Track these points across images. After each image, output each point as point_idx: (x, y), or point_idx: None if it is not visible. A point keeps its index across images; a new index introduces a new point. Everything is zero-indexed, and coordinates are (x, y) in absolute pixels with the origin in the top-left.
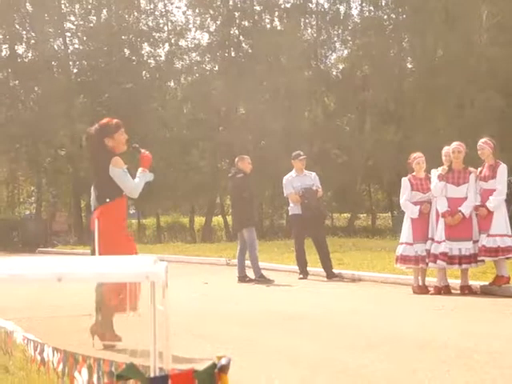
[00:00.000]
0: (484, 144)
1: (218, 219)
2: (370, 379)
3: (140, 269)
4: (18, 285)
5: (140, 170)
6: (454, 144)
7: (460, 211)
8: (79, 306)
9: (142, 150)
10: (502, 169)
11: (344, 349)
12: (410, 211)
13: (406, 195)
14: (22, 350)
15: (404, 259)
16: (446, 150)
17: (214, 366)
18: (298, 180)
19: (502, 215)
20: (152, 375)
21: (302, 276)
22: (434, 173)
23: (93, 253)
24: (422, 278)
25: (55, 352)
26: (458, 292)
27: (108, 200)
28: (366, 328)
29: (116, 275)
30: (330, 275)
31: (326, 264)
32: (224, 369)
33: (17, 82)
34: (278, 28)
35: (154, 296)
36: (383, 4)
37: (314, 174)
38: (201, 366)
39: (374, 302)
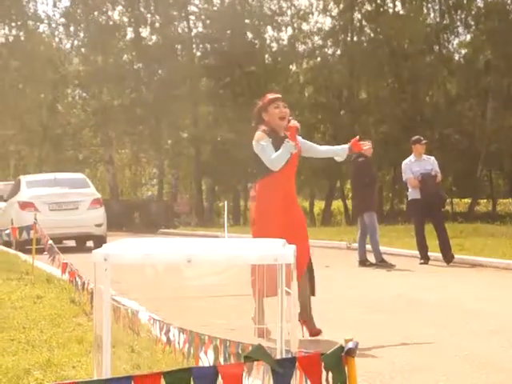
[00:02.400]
0: None
1: (337, 203)
2: (495, 365)
3: (269, 251)
4: (148, 265)
5: (286, 140)
6: None
7: None
8: (205, 287)
9: (292, 121)
10: None
11: (467, 335)
12: None
13: None
14: (147, 330)
15: None
16: None
17: (341, 349)
18: (417, 165)
19: None
20: (279, 357)
21: (422, 261)
22: None
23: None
24: None
25: (181, 332)
26: None
27: (259, 177)
28: (489, 314)
29: (245, 257)
30: (449, 259)
31: (445, 248)
32: (351, 352)
33: (141, 64)
34: (401, 12)
35: (283, 279)
36: None
37: (432, 158)
38: (327, 350)
39: (495, 288)
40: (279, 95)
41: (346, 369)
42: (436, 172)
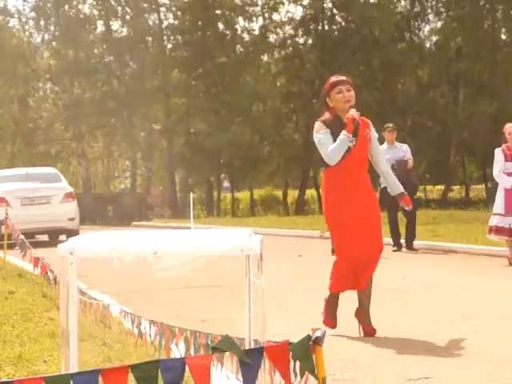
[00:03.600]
0: None
1: (311, 192)
2: (469, 350)
3: (235, 242)
4: (115, 258)
5: (342, 132)
6: None
7: None
8: (175, 279)
9: (350, 111)
10: None
11: (441, 320)
12: (504, 182)
13: (500, 166)
14: (118, 323)
15: (498, 230)
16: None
17: (308, 338)
18: (389, 152)
19: None
20: (247, 347)
21: (395, 248)
22: None
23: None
24: None
25: (152, 325)
26: None
27: (322, 168)
28: (462, 300)
29: (211, 249)
30: (410, 247)
31: (410, 237)
32: (318, 341)
33: (112, 57)
34: (372, 0)
35: (250, 269)
36: None
37: (405, 145)
38: (296, 339)
39: (468, 273)
40: (343, 77)
41: (314, 357)
42: (408, 159)
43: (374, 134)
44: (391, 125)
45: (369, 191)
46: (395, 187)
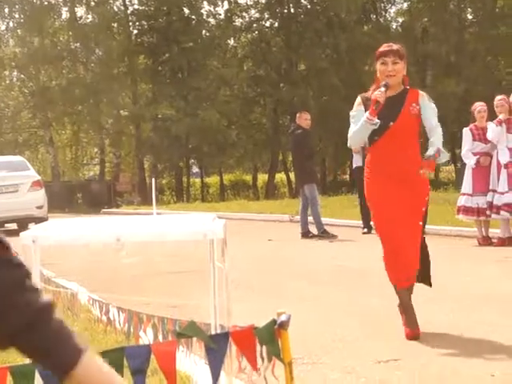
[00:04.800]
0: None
1: (281, 176)
2: (436, 331)
3: (198, 227)
4: (79, 245)
5: (365, 115)
6: None
7: None
8: (141, 264)
9: (377, 91)
10: None
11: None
12: (469, 161)
13: (468, 145)
14: (86, 310)
15: (465, 210)
16: (497, 99)
17: (273, 322)
18: None
19: None
20: (213, 333)
21: (366, 230)
22: (491, 126)
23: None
24: (485, 230)
25: (120, 312)
26: None
27: (363, 145)
28: (432, 282)
29: (173, 234)
30: (368, 228)
31: (366, 217)
32: (284, 325)
33: (77, 44)
34: None
35: (214, 254)
36: None
37: None
38: (262, 323)
39: (437, 255)
40: (392, 46)
41: (280, 342)
42: None
43: (427, 105)
44: None
45: (406, 176)
46: (430, 149)
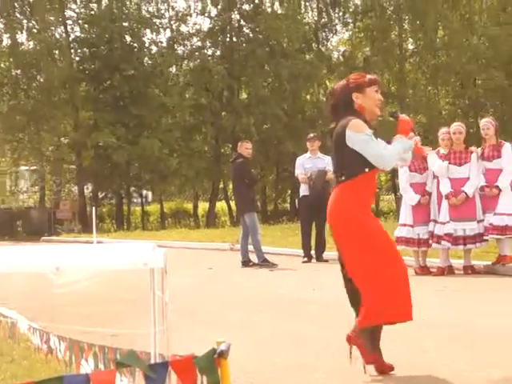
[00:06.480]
0: (488, 123)
1: (221, 204)
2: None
3: (138, 256)
4: (18, 274)
5: (396, 136)
6: (455, 125)
7: (463, 191)
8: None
9: (402, 115)
10: (507, 148)
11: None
12: (409, 198)
13: (406, 178)
14: (25, 339)
15: (406, 241)
16: (442, 132)
17: (213, 351)
18: (311, 161)
19: (509, 194)
20: (152, 362)
21: (305, 259)
22: (432, 155)
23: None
24: (422, 259)
25: (61, 341)
26: (462, 272)
27: (343, 178)
28: None
29: (113, 263)
30: (320, 258)
31: (319, 249)
32: (224, 354)
33: (19, 71)
34: (279, 11)
35: (154, 283)
36: None
37: (328, 157)
38: (202, 352)
39: None
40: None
41: (220, 371)
42: (328, 170)
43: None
44: (312, 134)
45: None
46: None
